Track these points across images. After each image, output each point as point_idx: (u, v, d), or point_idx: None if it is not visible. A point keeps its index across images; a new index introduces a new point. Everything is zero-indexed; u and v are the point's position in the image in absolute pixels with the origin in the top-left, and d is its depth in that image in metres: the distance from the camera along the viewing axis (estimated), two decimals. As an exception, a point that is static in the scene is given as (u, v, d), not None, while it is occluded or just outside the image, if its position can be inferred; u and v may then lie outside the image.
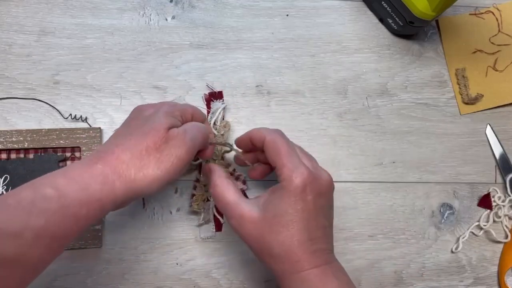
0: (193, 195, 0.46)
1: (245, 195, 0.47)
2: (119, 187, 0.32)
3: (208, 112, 0.49)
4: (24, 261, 0.29)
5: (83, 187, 0.31)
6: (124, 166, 0.33)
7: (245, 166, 0.45)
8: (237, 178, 0.47)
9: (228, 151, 0.47)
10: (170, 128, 0.35)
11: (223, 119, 0.49)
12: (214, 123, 0.48)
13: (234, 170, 0.47)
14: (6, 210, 0.29)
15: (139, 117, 0.37)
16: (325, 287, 0.35)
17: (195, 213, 0.46)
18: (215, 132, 0.47)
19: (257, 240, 0.36)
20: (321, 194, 0.37)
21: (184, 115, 0.38)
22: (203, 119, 0.41)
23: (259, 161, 0.43)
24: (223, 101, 0.49)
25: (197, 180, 0.47)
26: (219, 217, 0.46)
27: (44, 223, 0.29)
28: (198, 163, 0.47)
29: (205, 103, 0.49)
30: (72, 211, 0.30)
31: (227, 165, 0.47)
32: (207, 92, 0.49)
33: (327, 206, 0.38)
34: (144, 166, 0.33)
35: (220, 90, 0.49)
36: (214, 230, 0.46)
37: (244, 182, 0.47)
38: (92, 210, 0.32)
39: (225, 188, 0.38)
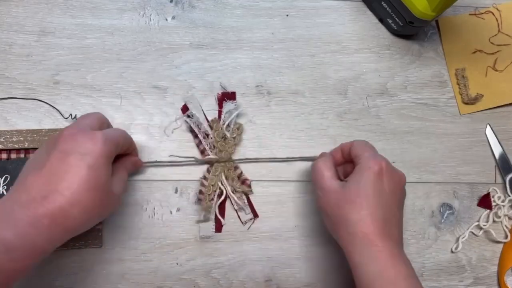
0: (200, 191, 0.46)
1: (249, 200, 0.47)
2: (59, 237, 0.33)
3: (220, 112, 0.49)
4: None
5: (30, 243, 0.32)
6: (71, 222, 0.33)
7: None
8: (243, 182, 0.47)
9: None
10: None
11: (236, 121, 0.49)
12: (228, 125, 0.48)
13: (241, 173, 0.47)
14: None
15: (80, 158, 0.34)
16: (395, 268, 0.36)
17: (199, 201, 0.46)
18: (227, 134, 0.47)
19: (336, 209, 0.39)
20: (396, 183, 0.40)
21: (119, 151, 0.39)
22: (133, 142, 0.42)
23: None
24: (235, 102, 0.49)
25: (205, 178, 0.47)
26: (220, 218, 0.46)
27: None
28: (207, 161, 0.47)
29: (218, 102, 0.49)
30: (20, 261, 0.32)
31: (234, 168, 0.47)
32: (220, 91, 0.49)
33: (400, 197, 0.41)
34: (87, 220, 0.35)
35: (233, 91, 0.50)
36: (214, 230, 0.46)
37: (249, 186, 0.47)
38: (38, 257, 0.33)
39: (326, 166, 0.42)
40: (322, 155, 0.46)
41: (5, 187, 0.44)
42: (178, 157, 0.46)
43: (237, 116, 0.49)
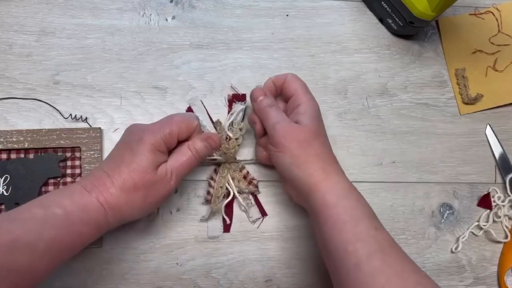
0: (208, 192, 0.46)
1: (257, 200, 0.48)
2: (110, 215, 0.37)
3: (229, 113, 0.49)
4: (34, 270, 0.33)
5: (84, 210, 0.36)
6: (114, 199, 0.37)
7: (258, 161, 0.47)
8: (250, 182, 0.47)
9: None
10: (157, 166, 0.39)
11: (242, 120, 0.49)
12: (231, 124, 0.48)
13: (247, 173, 0.48)
14: (22, 223, 0.33)
15: (129, 144, 0.39)
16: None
17: (207, 202, 0.46)
18: (230, 134, 0.47)
19: (305, 147, 0.40)
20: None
21: (169, 142, 0.40)
22: (191, 131, 0.41)
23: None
24: (245, 102, 0.49)
25: (212, 179, 0.47)
26: (226, 218, 0.46)
27: (54, 237, 0.34)
28: (214, 162, 0.47)
29: (227, 104, 0.49)
30: (76, 228, 0.35)
31: (241, 168, 0.47)
32: (230, 92, 0.50)
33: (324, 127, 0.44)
34: (131, 201, 0.38)
35: (244, 93, 0.50)
36: (222, 230, 0.46)
37: (256, 186, 0.47)
38: (92, 229, 0.37)
39: (278, 111, 0.43)
40: (259, 92, 0.44)
41: (5, 187, 0.44)
42: None
43: (244, 117, 0.49)
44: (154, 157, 0.38)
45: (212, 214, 0.46)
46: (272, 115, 0.42)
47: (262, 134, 0.45)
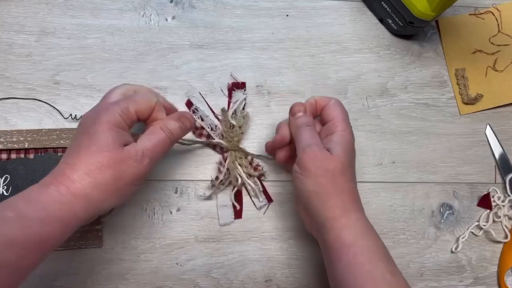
0: (216, 177, 0.46)
1: (262, 185, 0.48)
2: (78, 206, 0.34)
3: (229, 102, 0.49)
4: None
5: (41, 207, 0.32)
6: (78, 185, 0.34)
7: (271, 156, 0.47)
8: (255, 169, 0.47)
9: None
10: (121, 143, 0.36)
11: (244, 109, 0.49)
12: (234, 113, 0.48)
13: (252, 159, 0.48)
14: None
15: (84, 131, 0.36)
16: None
17: (212, 187, 0.46)
18: (234, 122, 0.47)
19: (331, 178, 0.39)
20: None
21: (128, 118, 0.37)
22: (150, 106, 0.39)
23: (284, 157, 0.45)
24: (245, 90, 0.49)
25: (221, 163, 0.47)
26: (236, 204, 0.47)
27: (7, 242, 0.30)
28: (215, 144, 0.48)
29: (228, 92, 0.49)
30: (34, 230, 0.31)
31: (245, 155, 0.48)
32: (230, 81, 0.50)
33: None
34: (100, 184, 0.34)
35: (243, 81, 0.50)
36: (234, 217, 0.47)
37: (262, 174, 0.48)
38: (57, 227, 0.33)
39: (314, 134, 0.41)
40: (299, 108, 0.43)
41: (5, 187, 0.44)
42: (188, 141, 0.46)
43: (245, 105, 0.49)
44: (114, 134, 0.35)
45: (215, 194, 0.46)
46: (306, 137, 0.40)
47: (287, 143, 0.44)
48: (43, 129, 0.45)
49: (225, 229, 0.47)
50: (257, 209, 0.47)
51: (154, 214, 0.46)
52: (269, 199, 0.48)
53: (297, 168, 0.39)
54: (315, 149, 0.39)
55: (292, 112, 0.43)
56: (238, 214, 0.47)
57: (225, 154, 0.48)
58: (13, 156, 0.45)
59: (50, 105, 0.47)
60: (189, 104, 0.49)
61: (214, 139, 0.47)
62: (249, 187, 0.47)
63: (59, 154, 0.45)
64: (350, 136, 0.41)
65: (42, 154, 0.45)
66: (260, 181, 0.48)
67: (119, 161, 0.35)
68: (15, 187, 0.44)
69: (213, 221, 0.47)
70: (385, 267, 0.35)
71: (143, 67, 0.50)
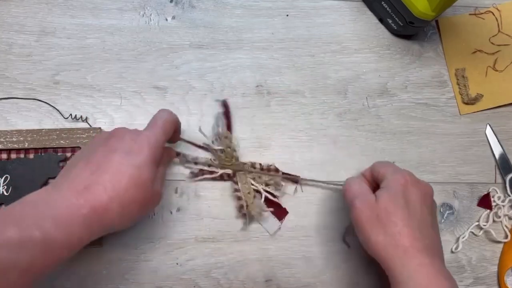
0: (241, 206, 0.46)
1: (277, 202, 0.47)
2: (97, 229, 0.34)
3: (229, 125, 0.49)
4: None
5: (67, 231, 0.32)
6: (110, 215, 0.34)
7: None
8: (269, 170, 0.47)
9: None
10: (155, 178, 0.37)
11: (227, 127, 0.48)
12: (217, 139, 0.47)
13: (261, 164, 0.47)
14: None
15: (130, 157, 0.35)
16: (438, 282, 0.35)
17: (244, 216, 0.46)
18: (221, 147, 0.47)
19: (375, 221, 0.38)
20: (423, 194, 0.40)
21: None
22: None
23: None
24: (220, 111, 0.49)
25: (237, 190, 0.47)
26: (270, 209, 0.47)
27: (29, 263, 0.30)
28: (228, 175, 0.47)
29: (225, 120, 0.49)
30: (56, 253, 0.31)
31: (252, 164, 0.47)
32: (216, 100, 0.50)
33: (431, 209, 0.40)
34: (125, 215, 0.35)
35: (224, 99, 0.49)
36: (279, 220, 0.47)
37: (277, 169, 0.47)
38: (73, 249, 0.33)
39: (361, 181, 0.43)
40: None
41: (5, 187, 0.44)
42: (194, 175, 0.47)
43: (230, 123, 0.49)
44: (155, 169, 0.37)
45: (253, 217, 0.46)
46: (353, 189, 0.41)
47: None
48: (43, 129, 0.45)
49: (225, 229, 0.47)
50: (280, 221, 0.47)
51: (154, 214, 0.46)
52: (283, 213, 0.47)
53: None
54: (356, 203, 0.40)
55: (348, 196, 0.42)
56: (280, 214, 0.47)
57: (234, 179, 0.47)
58: (13, 156, 0.45)
59: (50, 105, 0.47)
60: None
61: (217, 171, 0.47)
62: (270, 196, 0.47)
63: (59, 154, 0.45)
64: (400, 179, 0.40)
65: (42, 154, 0.45)
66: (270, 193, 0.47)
67: (149, 196, 0.36)
68: (15, 187, 0.44)
69: (213, 221, 0.47)
70: None
71: (143, 67, 0.50)
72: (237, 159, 0.47)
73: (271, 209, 0.47)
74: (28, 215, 0.31)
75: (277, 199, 0.47)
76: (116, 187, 0.34)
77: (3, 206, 0.44)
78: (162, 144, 0.38)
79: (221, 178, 0.47)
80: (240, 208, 0.46)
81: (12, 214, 0.31)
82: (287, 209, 0.48)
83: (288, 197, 0.48)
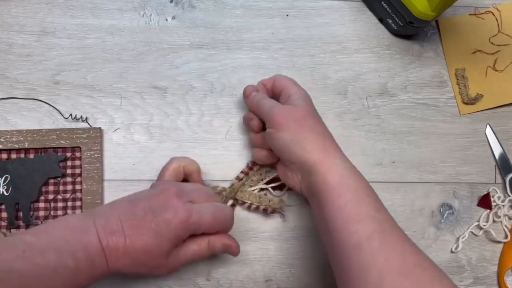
0: (262, 208, 0.46)
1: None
2: (106, 271, 0.36)
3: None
4: None
5: (92, 266, 0.35)
6: (119, 265, 0.36)
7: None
8: (265, 210, 0.47)
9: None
10: (172, 250, 0.38)
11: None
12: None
13: (249, 168, 0.48)
14: (34, 270, 0.32)
15: (158, 212, 0.37)
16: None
17: (266, 212, 0.47)
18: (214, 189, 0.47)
19: (299, 126, 0.41)
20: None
21: (195, 232, 0.39)
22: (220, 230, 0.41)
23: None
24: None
25: (243, 203, 0.47)
26: (278, 190, 0.48)
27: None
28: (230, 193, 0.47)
29: None
30: (80, 283, 0.35)
31: (244, 174, 0.48)
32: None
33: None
34: (132, 270, 0.37)
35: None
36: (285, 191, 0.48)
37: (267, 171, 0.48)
38: (90, 283, 0.36)
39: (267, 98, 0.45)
40: (252, 88, 0.46)
41: (5, 187, 0.44)
42: None
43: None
44: (172, 247, 0.37)
45: (280, 206, 0.47)
46: (267, 102, 0.43)
47: (260, 129, 0.45)
48: (43, 129, 0.45)
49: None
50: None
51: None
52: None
53: (270, 129, 0.41)
54: (279, 106, 0.42)
55: (245, 95, 0.46)
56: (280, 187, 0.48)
57: (239, 202, 0.47)
58: (13, 156, 0.45)
59: (50, 105, 0.47)
60: None
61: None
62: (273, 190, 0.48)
63: (59, 154, 0.45)
64: (305, 92, 0.44)
65: (42, 154, 0.45)
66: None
67: (158, 265, 0.38)
68: (15, 187, 0.44)
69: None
70: (370, 203, 0.37)
71: (143, 67, 0.50)
72: (224, 189, 0.47)
73: (284, 191, 0.48)
74: (68, 243, 0.34)
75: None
76: (133, 245, 0.36)
77: (3, 206, 0.44)
78: (194, 230, 0.38)
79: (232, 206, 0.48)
80: (264, 211, 0.46)
81: (53, 238, 0.34)
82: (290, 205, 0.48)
83: (289, 197, 0.48)
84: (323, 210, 0.37)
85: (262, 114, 0.43)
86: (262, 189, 0.47)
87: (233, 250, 0.41)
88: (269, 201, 0.46)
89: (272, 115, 0.41)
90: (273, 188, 0.47)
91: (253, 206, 0.46)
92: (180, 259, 0.38)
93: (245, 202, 0.46)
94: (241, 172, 0.48)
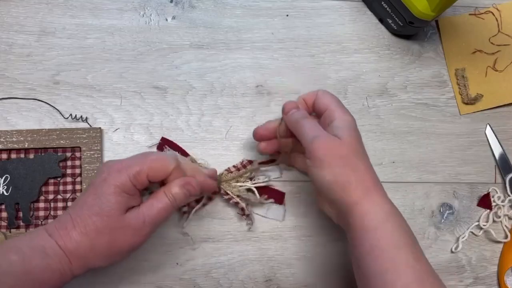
0: (241, 208, 0.46)
1: (270, 188, 0.48)
2: (72, 260, 0.35)
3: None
4: None
5: (43, 256, 0.34)
6: (74, 244, 0.35)
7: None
8: (244, 166, 0.47)
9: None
10: (125, 209, 0.36)
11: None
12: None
13: (235, 167, 0.47)
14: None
15: (94, 184, 0.37)
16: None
17: (245, 215, 0.46)
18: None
19: (342, 162, 0.38)
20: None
21: (139, 183, 0.37)
22: (166, 173, 0.38)
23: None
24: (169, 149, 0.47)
25: (231, 199, 0.46)
26: (264, 196, 0.47)
27: (12, 286, 0.32)
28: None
29: (157, 147, 0.48)
30: (35, 276, 0.33)
31: (229, 171, 0.47)
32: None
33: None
34: (95, 247, 0.35)
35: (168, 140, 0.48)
36: (282, 207, 0.48)
37: (250, 162, 0.48)
38: (55, 276, 0.34)
39: (314, 122, 0.41)
40: (292, 105, 0.43)
41: (5, 187, 0.44)
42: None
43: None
44: (119, 199, 0.35)
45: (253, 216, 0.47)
46: (309, 128, 0.39)
47: (273, 135, 0.44)
48: (43, 129, 0.45)
49: (225, 229, 0.47)
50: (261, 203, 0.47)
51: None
52: (281, 196, 0.47)
53: (310, 162, 0.38)
54: (323, 138, 0.38)
55: (285, 110, 0.43)
56: (279, 198, 0.47)
57: (221, 192, 0.46)
58: (13, 156, 0.45)
59: (50, 105, 0.47)
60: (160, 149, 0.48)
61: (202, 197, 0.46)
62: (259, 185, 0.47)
63: (59, 154, 0.45)
64: (350, 117, 0.40)
65: (42, 154, 0.45)
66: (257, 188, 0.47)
67: (117, 228, 0.35)
68: (15, 187, 0.44)
69: (212, 221, 0.47)
70: (409, 252, 0.35)
71: (143, 67, 0.50)
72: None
73: (271, 200, 0.47)
74: (12, 243, 0.35)
75: (271, 186, 0.47)
76: (79, 214, 0.35)
77: (3, 206, 0.44)
78: (135, 174, 0.36)
79: (209, 199, 0.47)
80: (241, 210, 0.46)
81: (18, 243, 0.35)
82: (284, 197, 0.48)
83: (289, 197, 0.48)
84: (358, 253, 0.36)
85: (301, 140, 0.40)
86: (248, 190, 0.47)
87: (193, 186, 0.38)
88: (249, 200, 0.46)
89: (313, 149, 0.38)
90: (261, 191, 0.47)
91: (233, 200, 0.46)
92: (145, 219, 0.36)
93: (227, 194, 0.46)
94: (233, 166, 0.47)
